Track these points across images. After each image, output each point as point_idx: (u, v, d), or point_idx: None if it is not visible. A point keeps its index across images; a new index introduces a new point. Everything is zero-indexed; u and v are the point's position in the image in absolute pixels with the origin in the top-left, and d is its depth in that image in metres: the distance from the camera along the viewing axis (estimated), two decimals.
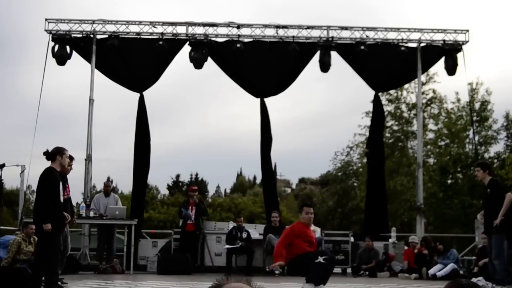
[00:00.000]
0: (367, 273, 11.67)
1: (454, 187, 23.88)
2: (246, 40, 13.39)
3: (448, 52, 13.39)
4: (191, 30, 13.36)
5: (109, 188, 12.00)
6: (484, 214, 8.81)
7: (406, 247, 12.35)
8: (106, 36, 13.18)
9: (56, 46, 13.02)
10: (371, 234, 12.38)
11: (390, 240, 12.72)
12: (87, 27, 13.20)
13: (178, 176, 43.47)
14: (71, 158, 7.60)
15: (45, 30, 13.05)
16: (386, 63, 13.59)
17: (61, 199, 7.10)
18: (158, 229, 25.26)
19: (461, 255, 12.77)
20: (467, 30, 13.55)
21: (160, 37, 13.17)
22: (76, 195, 24.96)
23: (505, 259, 8.31)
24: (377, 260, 11.78)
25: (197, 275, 10.69)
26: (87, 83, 13.18)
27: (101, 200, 11.73)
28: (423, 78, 20.61)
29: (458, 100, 24.42)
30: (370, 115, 17.17)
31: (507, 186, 17.96)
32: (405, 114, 27.10)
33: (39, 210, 7.08)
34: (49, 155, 7.18)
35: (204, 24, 13.41)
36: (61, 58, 13.04)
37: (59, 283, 7.18)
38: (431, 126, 25.64)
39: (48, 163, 7.11)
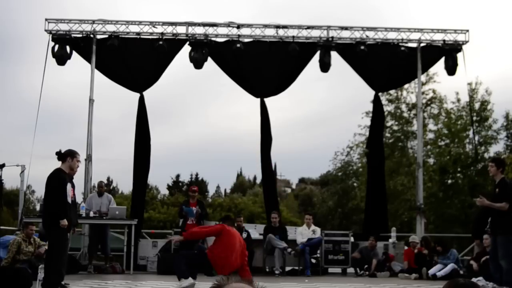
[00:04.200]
0: (367, 273, 11.68)
1: (454, 187, 23.86)
2: (246, 40, 13.39)
3: (448, 52, 13.39)
4: (191, 30, 13.36)
5: (102, 189, 11.97)
6: (490, 213, 8.59)
7: (406, 247, 12.35)
8: (106, 36, 13.18)
9: (56, 46, 13.01)
10: (371, 234, 12.37)
11: (390, 240, 12.72)
12: (87, 27, 13.20)
13: (178, 176, 43.51)
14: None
15: (45, 30, 13.05)
16: (386, 63, 13.59)
17: (69, 200, 7.11)
18: (158, 229, 25.25)
19: (461, 255, 12.76)
20: (467, 30, 13.57)
21: (160, 37, 13.17)
22: (76, 195, 24.93)
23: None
24: (377, 259, 11.79)
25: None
26: (87, 83, 13.20)
27: (94, 200, 11.71)
28: (423, 78, 20.59)
29: (458, 100, 24.44)
30: (370, 115, 17.17)
31: None
32: (405, 114, 27.07)
33: (50, 210, 7.07)
34: (60, 155, 7.24)
35: (204, 24, 13.40)
36: (61, 58, 13.03)
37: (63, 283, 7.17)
38: (431, 126, 25.65)
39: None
